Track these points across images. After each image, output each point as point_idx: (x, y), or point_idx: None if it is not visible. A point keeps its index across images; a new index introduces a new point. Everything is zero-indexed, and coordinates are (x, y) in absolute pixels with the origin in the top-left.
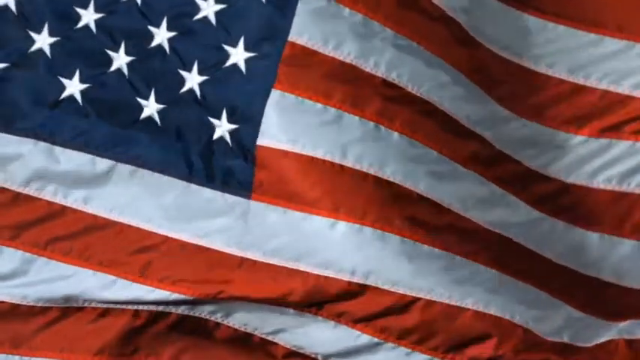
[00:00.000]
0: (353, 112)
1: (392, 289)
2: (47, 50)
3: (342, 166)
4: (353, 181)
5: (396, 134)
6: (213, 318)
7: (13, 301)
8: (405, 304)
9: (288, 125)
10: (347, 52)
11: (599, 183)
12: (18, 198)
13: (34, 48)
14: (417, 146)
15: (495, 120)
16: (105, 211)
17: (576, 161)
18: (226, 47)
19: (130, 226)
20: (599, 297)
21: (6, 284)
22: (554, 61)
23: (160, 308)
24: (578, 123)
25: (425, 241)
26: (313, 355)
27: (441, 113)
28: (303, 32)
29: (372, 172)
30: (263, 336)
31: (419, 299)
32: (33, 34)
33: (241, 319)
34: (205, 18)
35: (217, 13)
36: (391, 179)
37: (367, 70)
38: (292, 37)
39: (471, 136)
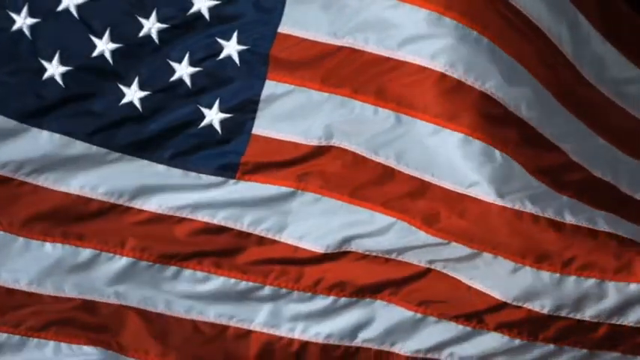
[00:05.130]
0: (349, 95)
1: None
2: (27, 31)
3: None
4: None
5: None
6: None
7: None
8: None
9: (282, 113)
10: (342, 35)
11: None
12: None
13: (14, 28)
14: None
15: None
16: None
17: None
18: (220, 41)
19: None
20: None
21: None
22: None
23: None
24: None
25: None
26: None
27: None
28: (294, 22)
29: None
30: None
31: None
32: (13, 15)
33: None
34: (198, 12)
35: (211, 9)
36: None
37: (368, 50)
38: (282, 27)
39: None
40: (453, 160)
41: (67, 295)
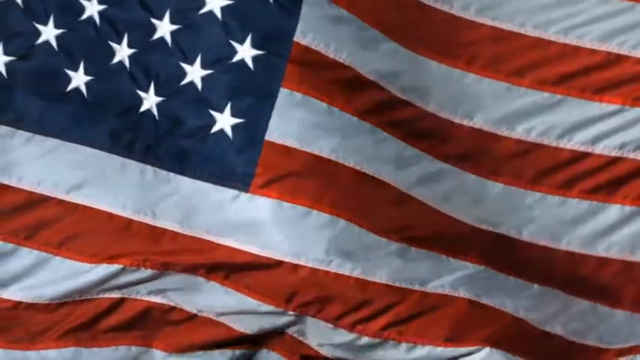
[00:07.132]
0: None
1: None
2: (54, 42)
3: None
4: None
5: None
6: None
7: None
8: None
9: (295, 123)
10: (345, 56)
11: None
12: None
13: (40, 40)
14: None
15: None
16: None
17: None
18: (233, 43)
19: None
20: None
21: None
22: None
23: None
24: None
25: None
26: None
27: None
28: (307, 33)
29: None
30: None
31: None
32: (39, 26)
33: None
34: (211, 12)
35: (223, 9)
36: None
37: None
38: (298, 37)
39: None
40: None
41: (92, 297)
